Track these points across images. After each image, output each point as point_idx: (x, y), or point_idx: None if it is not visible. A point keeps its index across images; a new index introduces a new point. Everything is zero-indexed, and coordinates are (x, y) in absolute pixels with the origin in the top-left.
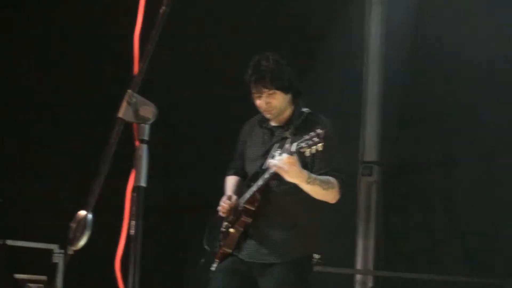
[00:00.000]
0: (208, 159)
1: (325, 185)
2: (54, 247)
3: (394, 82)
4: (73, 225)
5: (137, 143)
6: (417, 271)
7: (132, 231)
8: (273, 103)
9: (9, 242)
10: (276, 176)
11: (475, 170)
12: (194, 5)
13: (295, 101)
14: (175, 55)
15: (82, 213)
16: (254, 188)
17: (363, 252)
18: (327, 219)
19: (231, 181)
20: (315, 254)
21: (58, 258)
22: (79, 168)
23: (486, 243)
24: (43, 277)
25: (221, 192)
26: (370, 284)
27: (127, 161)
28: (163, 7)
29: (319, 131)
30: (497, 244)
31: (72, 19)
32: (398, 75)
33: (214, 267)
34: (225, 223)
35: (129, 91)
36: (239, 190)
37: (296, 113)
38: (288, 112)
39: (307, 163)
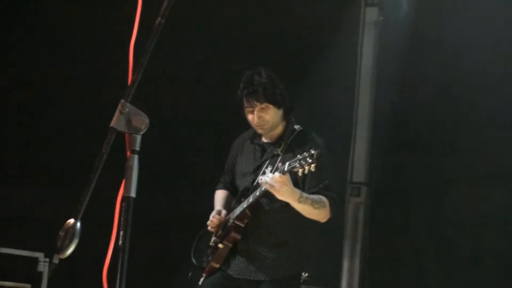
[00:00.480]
0: (193, 172)
1: (316, 204)
2: (39, 255)
3: (385, 103)
4: (61, 233)
5: (128, 153)
6: None
7: (120, 242)
8: (265, 118)
9: None
10: (267, 194)
11: (464, 194)
12: (189, 16)
13: (287, 118)
14: (165, 70)
15: (71, 221)
16: (244, 204)
17: (349, 272)
18: (316, 238)
19: (220, 195)
20: (303, 273)
21: (43, 267)
22: (67, 176)
23: (472, 266)
24: (28, 286)
25: (208, 205)
26: None
27: (118, 171)
28: (159, 18)
29: (312, 151)
30: (483, 268)
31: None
32: (390, 96)
33: (201, 281)
34: (214, 238)
35: (122, 100)
36: (228, 204)
37: (288, 130)
38: (280, 129)
39: (298, 181)
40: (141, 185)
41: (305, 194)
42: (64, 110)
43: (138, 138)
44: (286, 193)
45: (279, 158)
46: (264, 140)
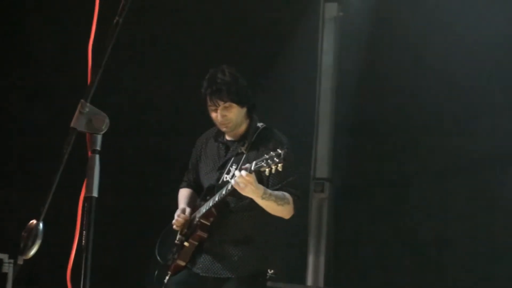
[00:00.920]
0: (157, 170)
1: (280, 201)
2: (3, 256)
3: (347, 99)
4: (24, 234)
5: (89, 153)
6: None
7: (84, 242)
8: (228, 116)
9: None
10: (234, 193)
11: (427, 189)
12: (148, 14)
13: (250, 116)
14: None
15: (34, 222)
16: (210, 203)
17: (314, 268)
18: (281, 234)
19: (184, 193)
20: (269, 269)
21: (8, 268)
22: (30, 177)
23: (437, 261)
24: None
25: (171, 203)
26: None
27: (79, 171)
28: (117, 18)
29: (280, 151)
30: (448, 262)
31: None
32: (351, 92)
33: (166, 279)
34: (180, 236)
35: (82, 100)
36: (193, 202)
37: (251, 128)
38: (243, 127)
39: (263, 178)
40: (104, 184)
41: (268, 191)
42: (26, 107)
43: (99, 137)
44: (250, 190)
45: (244, 156)
46: (227, 138)
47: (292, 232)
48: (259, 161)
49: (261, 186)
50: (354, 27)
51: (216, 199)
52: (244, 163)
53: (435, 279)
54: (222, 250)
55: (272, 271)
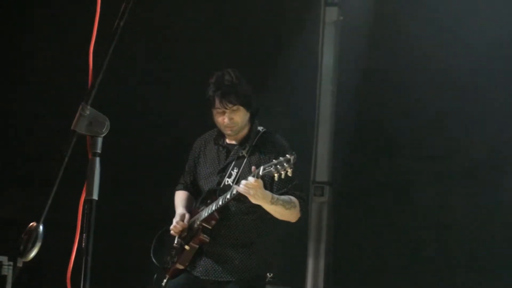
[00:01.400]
0: (154, 173)
1: (287, 204)
2: (3, 259)
3: (347, 103)
4: (24, 236)
5: (90, 155)
6: None
7: (84, 244)
8: (235, 119)
9: None
10: (239, 197)
11: (427, 193)
12: (148, 14)
13: (252, 119)
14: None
15: (34, 224)
16: (213, 207)
17: (313, 272)
18: (281, 238)
19: (181, 196)
20: (268, 273)
21: (7, 271)
22: (30, 180)
23: (435, 265)
24: None
25: (170, 205)
26: None
27: (80, 174)
28: (117, 21)
29: (289, 156)
30: (445, 267)
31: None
32: (352, 95)
33: (164, 282)
34: (179, 240)
35: (83, 103)
36: (190, 205)
37: (252, 131)
38: (245, 130)
39: (265, 182)
40: (103, 187)
41: (276, 196)
42: (28, 109)
43: (99, 140)
44: (259, 196)
45: (245, 160)
46: (228, 141)
47: (292, 236)
48: (268, 166)
49: (268, 192)
50: (354, 31)
51: (220, 203)
52: (245, 167)
53: (435, 280)
54: (223, 254)
55: (271, 274)
